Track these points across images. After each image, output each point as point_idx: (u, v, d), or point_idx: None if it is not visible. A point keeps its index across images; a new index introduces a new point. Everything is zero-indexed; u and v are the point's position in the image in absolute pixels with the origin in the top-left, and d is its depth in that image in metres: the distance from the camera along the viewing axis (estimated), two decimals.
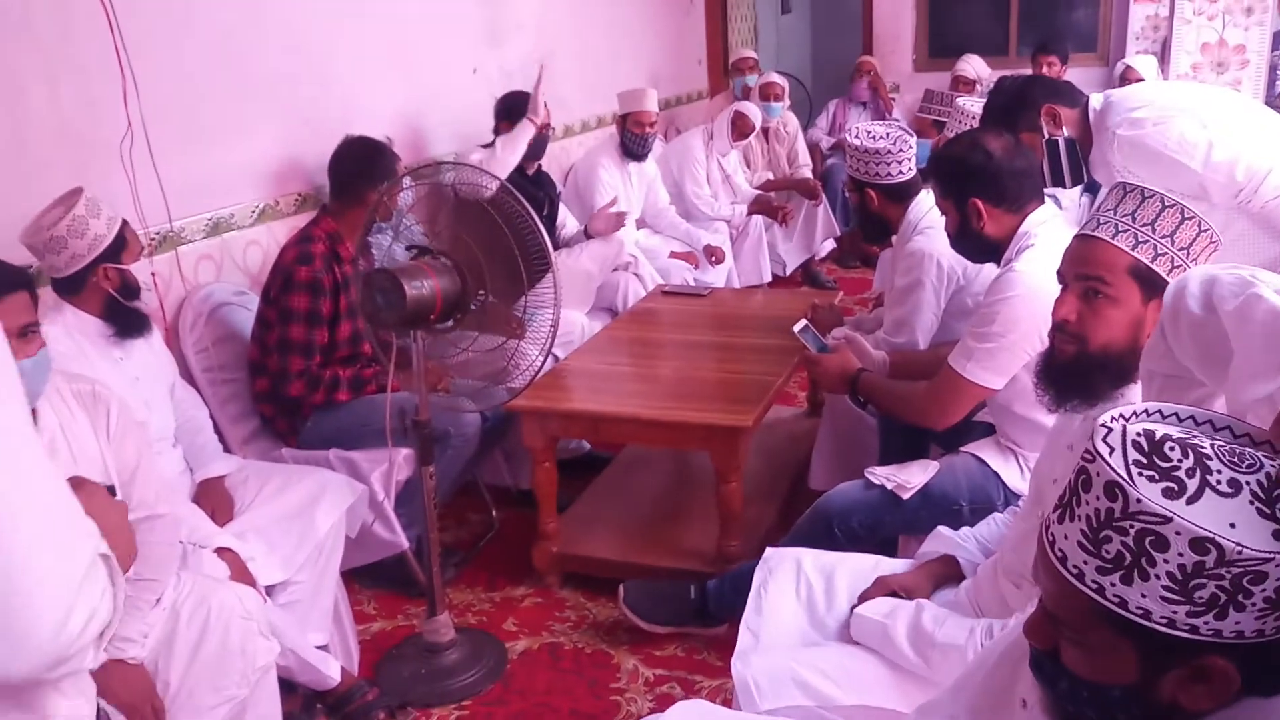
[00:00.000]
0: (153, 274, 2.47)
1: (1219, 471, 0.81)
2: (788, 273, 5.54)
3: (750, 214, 5.24)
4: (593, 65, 5.14)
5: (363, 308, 2.26)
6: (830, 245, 5.75)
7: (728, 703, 1.92)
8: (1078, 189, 3.36)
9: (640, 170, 4.63)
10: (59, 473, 0.89)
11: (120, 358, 2.28)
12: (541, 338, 2.28)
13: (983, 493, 2.22)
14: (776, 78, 5.69)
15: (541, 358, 2.31)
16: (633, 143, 4.46)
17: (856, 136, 2.71)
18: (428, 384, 2.37)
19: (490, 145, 3.80)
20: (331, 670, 2.27)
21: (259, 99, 3.07)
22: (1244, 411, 1.06)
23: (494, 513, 3.22)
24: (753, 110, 5.18)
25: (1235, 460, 0.82)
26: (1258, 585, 0.79)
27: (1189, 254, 1.51)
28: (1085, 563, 0.84)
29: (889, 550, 2.27)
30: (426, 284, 2.18)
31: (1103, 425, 0.87)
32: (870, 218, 2.78)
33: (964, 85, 5.81)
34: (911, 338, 2.68)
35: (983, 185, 2.19)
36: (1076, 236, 1.60)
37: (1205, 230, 1.52)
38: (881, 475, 2.26)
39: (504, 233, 2.19)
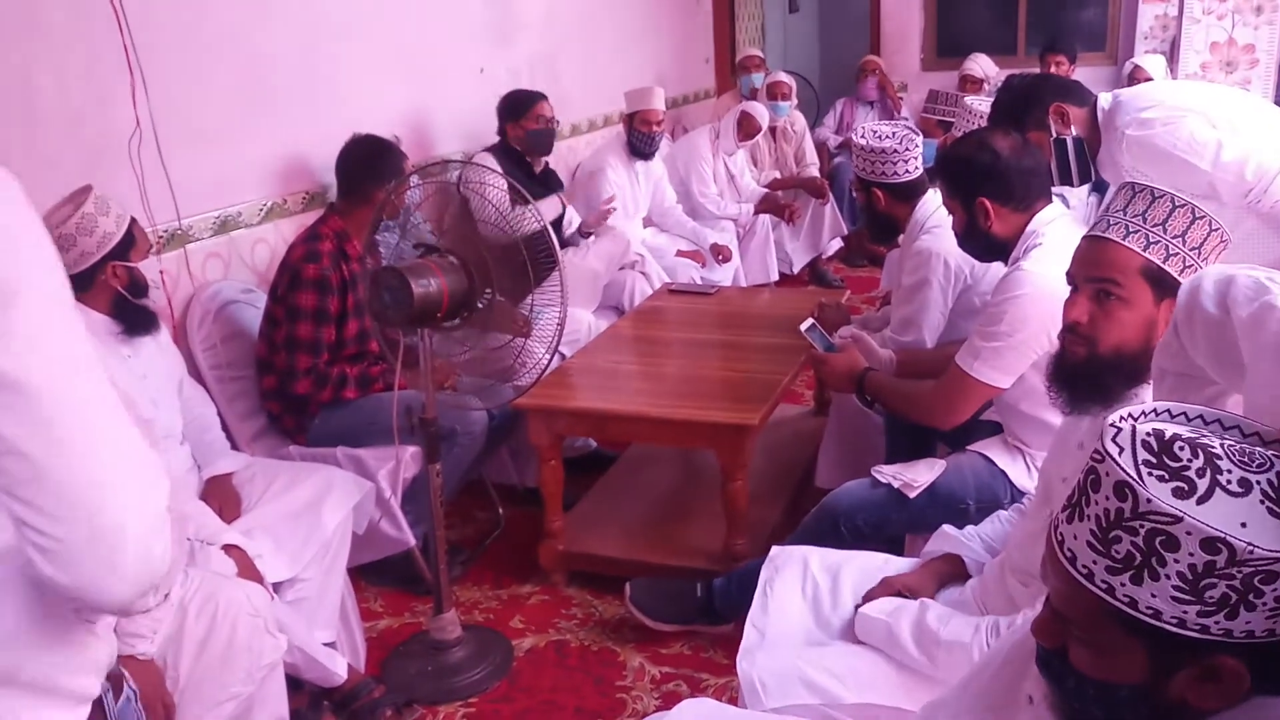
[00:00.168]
0: (161, 272, 2.48)
1: (1229, 471, 0.81)
2: (795, 271, 5.54)
3: (757, 213, 5.23)
4: (600, 64, 5.14)
5: (370, 306, 2.26)
6: (837, 244, 5.74)
7: (734, 701, 1.92)
8: (1085, 188, 3.36)
9: (647, 169, 4.63)
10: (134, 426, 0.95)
11: (128, 355, 2.28)
12: (548, 336, 2.28)
13: (990, 491, 2.22)
14: (784, 77, 5.68)
15: (548, 356, 2.31)
16: (639, 141, 4.46)
17: (863, 136, 2.71)
18: (435, 382, 2.37)
19: (494, 146, 3.81)
20: (338, 667, 2.28)
21: (267, 97, 3.08)
22: (1263, 414, 1.05)
23: (500, 510, 3.22)
24: (759, 111, 5.16)
25: (1245, 460, 0.82)
26: (1269, 585, 0.78)
27: (1200, 254, 1.51)
28: (1095, 563, 0.84)
29: (895, 549, 2.27)
30: (433, 282, 2.19)
31: (1112, 425, 0.87)
32: (877, 217, 2.78)
33: (971, 84, 5.79)
34: (918, 336, 2.68)
35: (990, 184, 2.18)
36: (1086, 238, 1.59)
37: (1216, 230, 1.51)
38: (888, 474, 2.26)
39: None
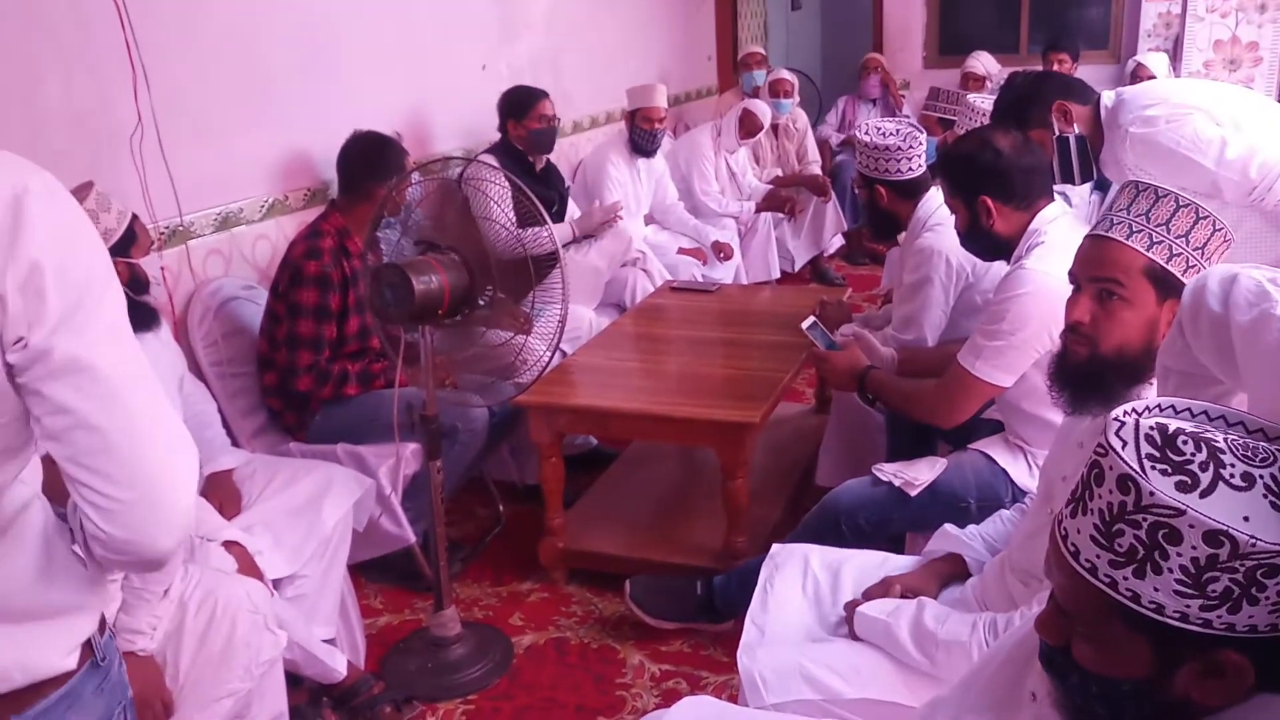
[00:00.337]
0: (162, 268, 2.48)
1: (1232, 465, 0.81)
2: (796, 269, 5.53)
3: (759, 210, 5.23)
4: (602, 61, 5.14)
5: (371, 303, 2.26)
6: (839, 242, 5.74)
7: (734, 698, 1.91)
8: (1088, 186, 3.35)
9: (649, 166, 4.62)
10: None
11: None
12: (549, 333, 2.28)
13: (991, 490, 2.22)
14: (786, 74, 5.68)
15: (549, 353, 2.30)
16: (641, 138, 4.45)
17: (866, 133, 2.71)
18: (436, 379, 2.37)
19: (495, 145, 3.80)
20: (338, 664, 2.28)
21: (269, 93, 3.08)
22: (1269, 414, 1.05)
23: (501, 508, 3.22)
24: (761, 109, 5.16)
25: (1249, 454, 0.82)
26: (1271, 579, 0.78)
27: (1204, 254, 1.50)
28: (1098, 557, 0.84)
29: (896, 547, 2.27)
30: (434, 279, 2.18)
31: (1115, 419, 0.86)
32: (879, 214, 2.77)
33: (974, 82, 5.78)
34: (920, 335, 2.68)
35: (992, 183, 2.18)
36: (1089, 237, 1.58)
37: (1219, 229, 1.51)
38: (889, 472, 2.26)
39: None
